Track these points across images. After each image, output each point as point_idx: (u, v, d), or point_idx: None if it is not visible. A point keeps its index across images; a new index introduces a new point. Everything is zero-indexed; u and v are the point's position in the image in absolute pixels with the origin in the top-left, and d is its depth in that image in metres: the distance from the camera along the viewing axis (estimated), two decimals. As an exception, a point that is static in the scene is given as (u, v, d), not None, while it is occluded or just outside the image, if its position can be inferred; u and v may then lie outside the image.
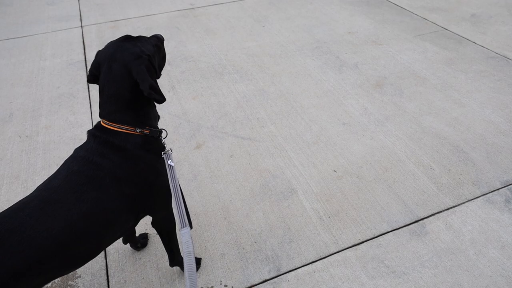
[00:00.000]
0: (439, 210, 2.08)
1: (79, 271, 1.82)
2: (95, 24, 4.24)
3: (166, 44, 1.61)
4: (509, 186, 2.20)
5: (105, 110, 1.32)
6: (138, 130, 1.33)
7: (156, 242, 1.93)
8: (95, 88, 3.14)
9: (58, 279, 1.78)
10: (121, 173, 1.28)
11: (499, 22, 4.04)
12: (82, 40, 3.92)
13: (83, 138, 2.66)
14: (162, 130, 1.44)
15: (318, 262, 1.84)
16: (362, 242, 1.93)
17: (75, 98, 3.05)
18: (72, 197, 1.20)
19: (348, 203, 2.13)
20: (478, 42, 3.67)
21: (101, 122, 1.34)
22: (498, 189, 2.19)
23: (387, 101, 2.92)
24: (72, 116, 2.85)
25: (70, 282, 1.77)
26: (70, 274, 1.80)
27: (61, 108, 2.94)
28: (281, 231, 1.99)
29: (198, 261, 1.81)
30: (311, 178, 2.29)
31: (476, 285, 1.73)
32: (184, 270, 1.12)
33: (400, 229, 1.98)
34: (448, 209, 2.09)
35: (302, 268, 1.82)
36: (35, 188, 1.26)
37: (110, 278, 1.79)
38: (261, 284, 1.76)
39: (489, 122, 2.68)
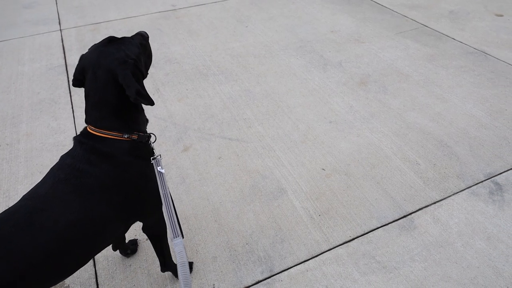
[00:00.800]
0: (426, 204, 2.12)
1: (68, 280, 1.77)
2: (75, 27, 4.15)
3: (150, 46, 1.57)
4: (493, 178, 2.26)
5: (92, 117, 1.29)
6: (125, 136, 1.31)
7: (146, 248, 1.90)
8: (77, 92, 3.07)
9: (46, 290, 1.73)
10: (109, 180, 1.26)
11: (477, 18, 4.15)
12: (61, 44, 3.83)
13: (67, 144, 2.59)
14: (151, 134, 1.42)
15: (310, 260, 1.85)
16: (353, 239, 1.94)
17: (57, 103, 2.98)
18: (59, 206, 1.17)
19: (337, 200, 2.15)
20: (457, 38, 3.76)
21: (88, 128, 1.31)
22: (482, 181, 2.25)
23: (372, 98, 2.96)
24: (54, 122, 2.78)
25: (58, 293, 1.72)
26: (58, 284, 1.75)
27: (42, 114, 2.87)
28: (272, 231, 1.99)
29: (190, 265, 1.79)
30: (300, 177, 2.29)
31: (465, 276, 1.77)
32: (179, 281, 1.10)
33: (389, 225, 2.01)
34: (434, 203, 2.13)
35: (295, 267, 1.82)
36: (19, 197, 1.22)
37: (99, 287, 1.75)
38: (254, 285, 1.75)
39: (470, 116, 2.75)
